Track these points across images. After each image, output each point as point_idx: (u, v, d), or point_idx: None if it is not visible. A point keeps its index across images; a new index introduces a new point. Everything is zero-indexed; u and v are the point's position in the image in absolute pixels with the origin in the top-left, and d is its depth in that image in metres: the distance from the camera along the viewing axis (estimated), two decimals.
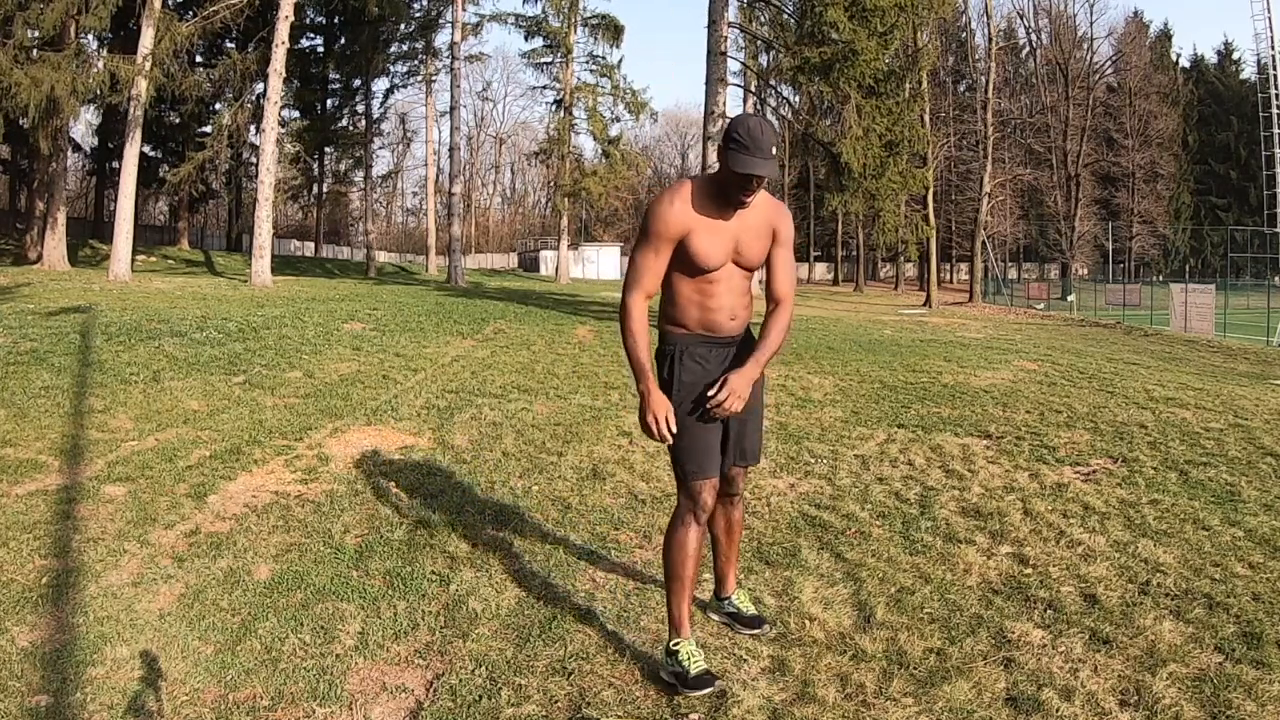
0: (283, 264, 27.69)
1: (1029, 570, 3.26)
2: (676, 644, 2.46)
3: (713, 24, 12.81)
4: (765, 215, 2.48)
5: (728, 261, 2.46)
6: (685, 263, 2.44)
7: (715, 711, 2.32)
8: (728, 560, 2.82)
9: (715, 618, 2.87)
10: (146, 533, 3.54)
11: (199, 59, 23.74)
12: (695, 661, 2.42)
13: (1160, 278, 41.10)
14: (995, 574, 3.24)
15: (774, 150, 2.27)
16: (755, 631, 2.76)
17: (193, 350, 7.52)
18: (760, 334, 2.54)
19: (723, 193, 2.38)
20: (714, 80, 12.86)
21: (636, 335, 2.42)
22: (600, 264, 44.17)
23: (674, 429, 2.40)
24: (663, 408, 2.39)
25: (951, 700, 2.34)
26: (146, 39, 16.66)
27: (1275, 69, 31.57)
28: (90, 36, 18.66)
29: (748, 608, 2.83)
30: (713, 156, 12.83)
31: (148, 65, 16.46)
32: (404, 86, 31.94)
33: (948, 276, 50.68)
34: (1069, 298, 32.72)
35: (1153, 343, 16.58)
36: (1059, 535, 3.64)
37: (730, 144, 2.30)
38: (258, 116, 21.55)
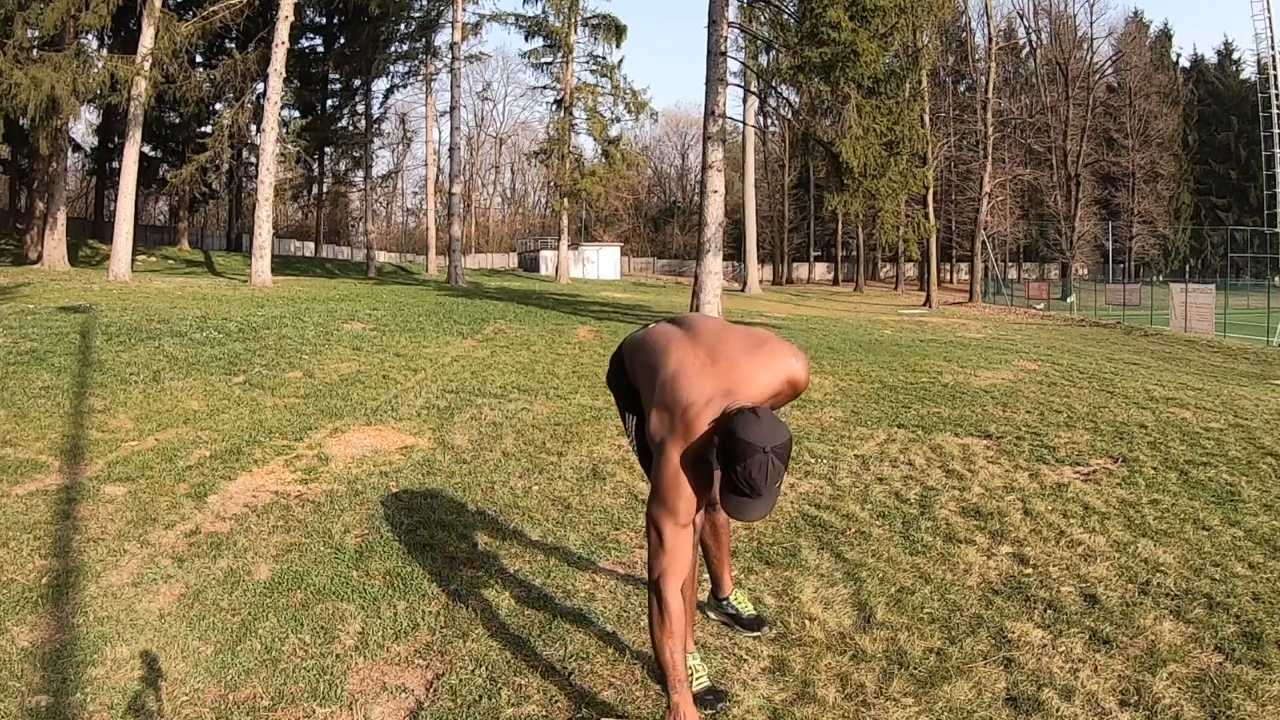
0: (283, 264, 27.69)
1: (1029, 570, 3.26)
2: None
3: (713, 24, 12.81)
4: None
5: None
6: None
7: (715, 712, 2.32)
8: (721, 562, 2.80)
9: (714, 616, 2.87)
10: (146, 533, 3.54)
11: (199, 59, 23.73)
12: (698, 678, 2.40)
13: (1160, 278, 41.08)
14: (995, 574, 3.24)
15: (778, 486, 1.97)
16: (755, 633, 2.76)
17: (193, 350, 7.52)
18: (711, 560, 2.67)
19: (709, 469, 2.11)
20: (714, 80, 12.85)
21: (674, 631, 2.06)
22: (600, 264, 44.15)
23: None
24: None
25: (951, 700, 2.34)
26: (146, 38, 16.67)
27: (1275, 69, 31.56)
28: (90, 36, 18.66)
29: (746, 609, 2.84)
30: (713, 156, 12.82)
31: (147, 65, 16.47)
32: (404, 86, 31.93)
33: (948, 276, 50.65)
34: (1069, 298, 32.73)
35: (1153, 343, 16.58)
36: (1059, 535, 3.64)
37: (727, 482, 1.98)
38: (258, 116, 21.56)
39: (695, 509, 2.12)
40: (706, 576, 3.00)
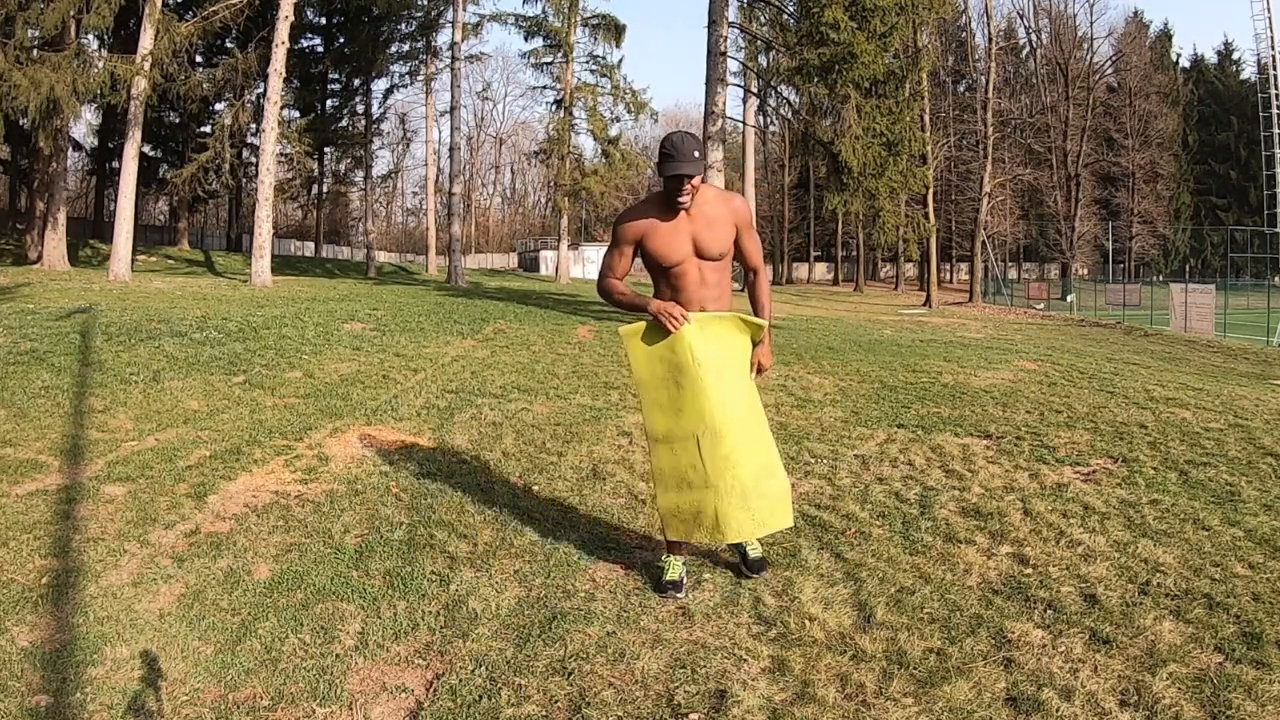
0: (283, 264, 27.70)
1: (1029, 570, 3.26)
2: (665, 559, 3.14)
3: (713, 24, 12.82)
4: (723, 208, 2.93)
5: (689, 257, 2.89)
6: (650, 260, 2.93)
7: (715, 711, 2.32)
8: None
9: (725, 555, 3.24)
10: (146, 533, 3.54)
11: (199, 59, 23.73)
12: (752, 547, 3.15)
13: (1160, 278, 41.12)
14: (995, 574, 3.24)
15: (696, 154, 2.72)
16: (754, 575, 3.10)
17: (193, 350, 7.52)
18: (752, 303, 3.14)
19: (667, 197, 2.83)
20: (714, 80, 12.86)
21: (619, 288, 2.98)
22: (600, 264, 44.15)
23: (690, 319, 2.83)
24: (672, 304, 2.86)
25: (951, 700, 2.34)
26: (146, 38, 16.66)
27: (1275, 69, 31.57)
28: (90, 36, 18.65)
29: (753, 551, 3.18)
30: (713, 156, 12.85)
31: (147, 65, 16.46)
32: (404, 86, 31.93)
33: (948, 276, 50.67)
34: (1069, 298, 32.74)
35: (1153, 343, 16.58)
36: (1059, 535, 3.63)
37: (661, 157, 2.75)
38: (258, 116, 21.55)
39: (627, 237, 2.95)
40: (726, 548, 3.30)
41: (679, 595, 3.02)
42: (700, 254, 2.89)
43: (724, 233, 2.91)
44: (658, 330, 2.87)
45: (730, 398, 2.87)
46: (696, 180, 2.77)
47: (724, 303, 2.99)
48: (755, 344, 2.99)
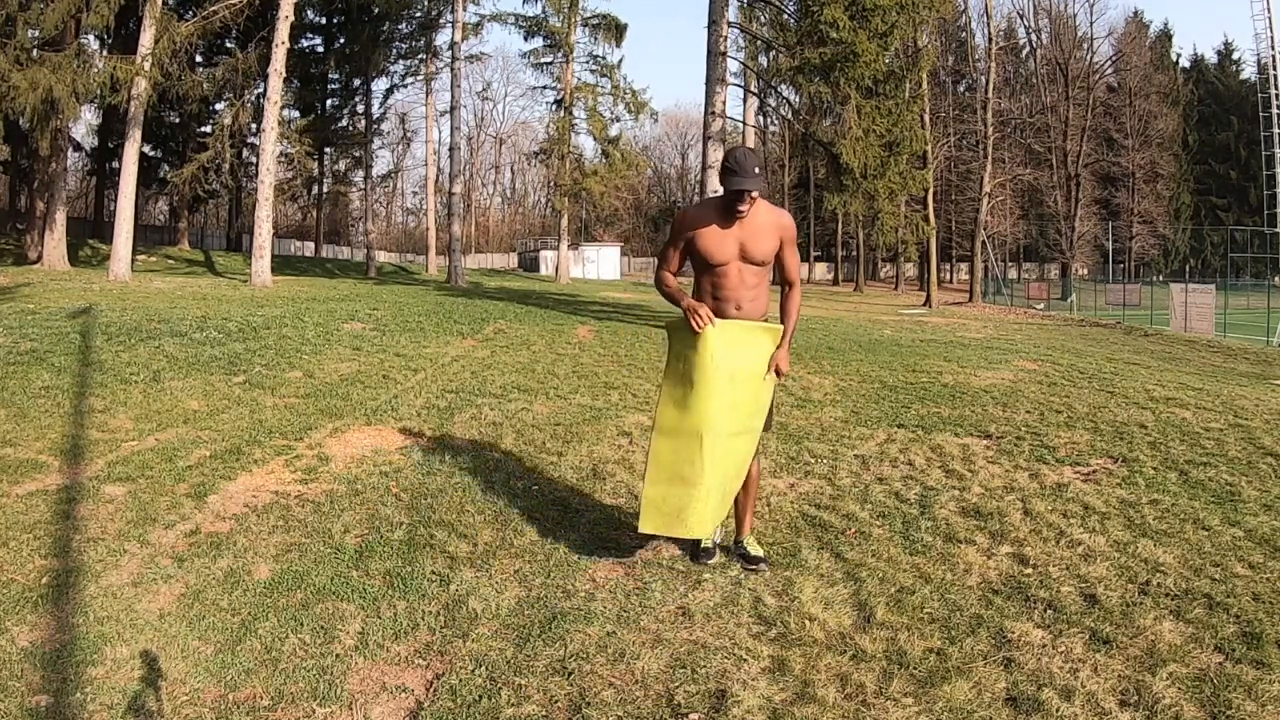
0: (283, 264, 27.68)
1: (1029, 570, 3.26)
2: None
3: (713, 24, 12.81)
4: (771, 221, 3.18)
5: (734, 259, 3.14)
6: (698, 258, 3.18)
7: (715, 711, 2.32)
8: (745, 509, 3.40)
9: (726, 556, 3.40)
10: (146, 533, 3.54)
11: (199, 58, 23.72)
12: (753, 548, 3.35)
13: (1160, 278, 41.11)
14: (995, 574, 3.24)
15: (757, 170, 3.00)
16: (753, 567, 3.28)
17: (193, 350, 7.52)
18: (781, 312, 3.35)
19: (726, 206, 3.10)
20: (714, 80, 12.86)
21: (669, 280, 3.30)
22: (600, 264, 44.13)
23: (714, 322, 3.05)
24: (702, 304, 3.11)
25: (951, 700, 2.34)
26: (146, 38, 16.66)
27: (1275, 69, 31.59)
28: (90, 36, 18.64)
29: (754, 550, 3.37)
30: (713, 155, 12.85)
31: (147, 65, 16.46)
32: (404, 86, 31.92)
33: (948, 276, 50.66)
34: (1069, 298, 32.74)
35: (1153, 343, 16.58)
36: (1059, 535, 3.64)
37: (725, 171, 3.04)
38: (258, 116, 21.55)
39: (680, 232, 3.22)
40: (733, 523, 3.51)
41: (710, 561, 3.32)
42: (745, 258, 3.15)
43: (769, 243, 3.17)
44: (686, 327, 3.10)
45: (739, 404, 3.11)
46: (756, 194, 3.05)
47: (761, 303, 3.23)
48: (775, 348, 3.22)
